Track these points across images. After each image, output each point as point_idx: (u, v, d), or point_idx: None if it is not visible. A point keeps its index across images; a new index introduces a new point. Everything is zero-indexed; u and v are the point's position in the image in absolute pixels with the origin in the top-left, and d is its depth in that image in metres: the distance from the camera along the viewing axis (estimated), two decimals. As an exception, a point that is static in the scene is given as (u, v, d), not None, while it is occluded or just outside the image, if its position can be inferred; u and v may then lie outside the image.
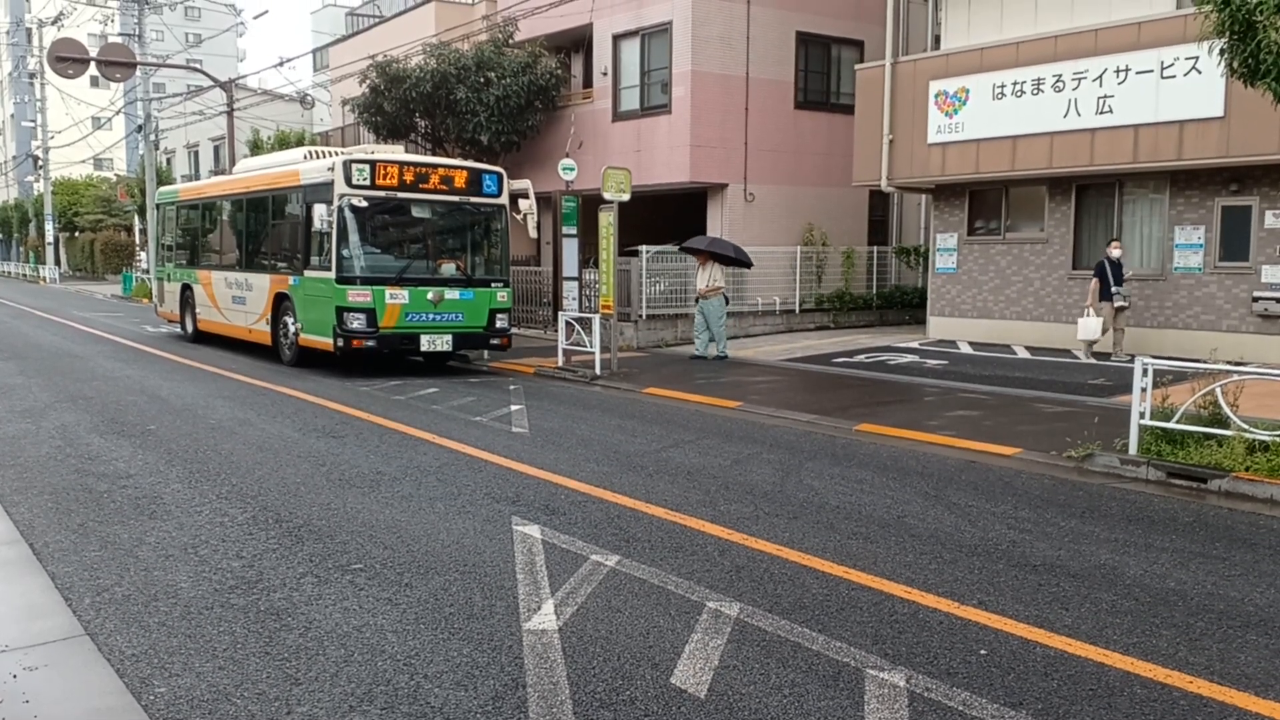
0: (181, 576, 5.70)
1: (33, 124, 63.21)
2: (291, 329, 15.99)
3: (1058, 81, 16.32)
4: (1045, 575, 5.94)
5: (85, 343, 20.37)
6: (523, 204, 16.15)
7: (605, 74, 23.29)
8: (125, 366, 16.11)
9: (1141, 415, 8.95)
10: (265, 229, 17.65)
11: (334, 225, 14.34)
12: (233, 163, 32.46)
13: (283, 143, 33.64)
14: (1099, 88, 15.81)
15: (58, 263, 59.55)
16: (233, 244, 19.05)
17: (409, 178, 14.85)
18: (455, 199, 15.30)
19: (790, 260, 22.01)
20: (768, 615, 5.15)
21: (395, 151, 16.33)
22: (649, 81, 22.38)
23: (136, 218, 48.87)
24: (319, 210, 14.37)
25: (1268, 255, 15.19)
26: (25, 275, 64.16)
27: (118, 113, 49.82)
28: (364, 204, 14.49)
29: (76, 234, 62.74)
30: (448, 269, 15.53)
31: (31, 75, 63.27)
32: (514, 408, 12.11)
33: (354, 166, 14.44)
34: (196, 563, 5.95)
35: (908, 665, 4.55)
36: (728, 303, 17.79)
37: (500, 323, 15.74)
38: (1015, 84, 16.91)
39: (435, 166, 15.35)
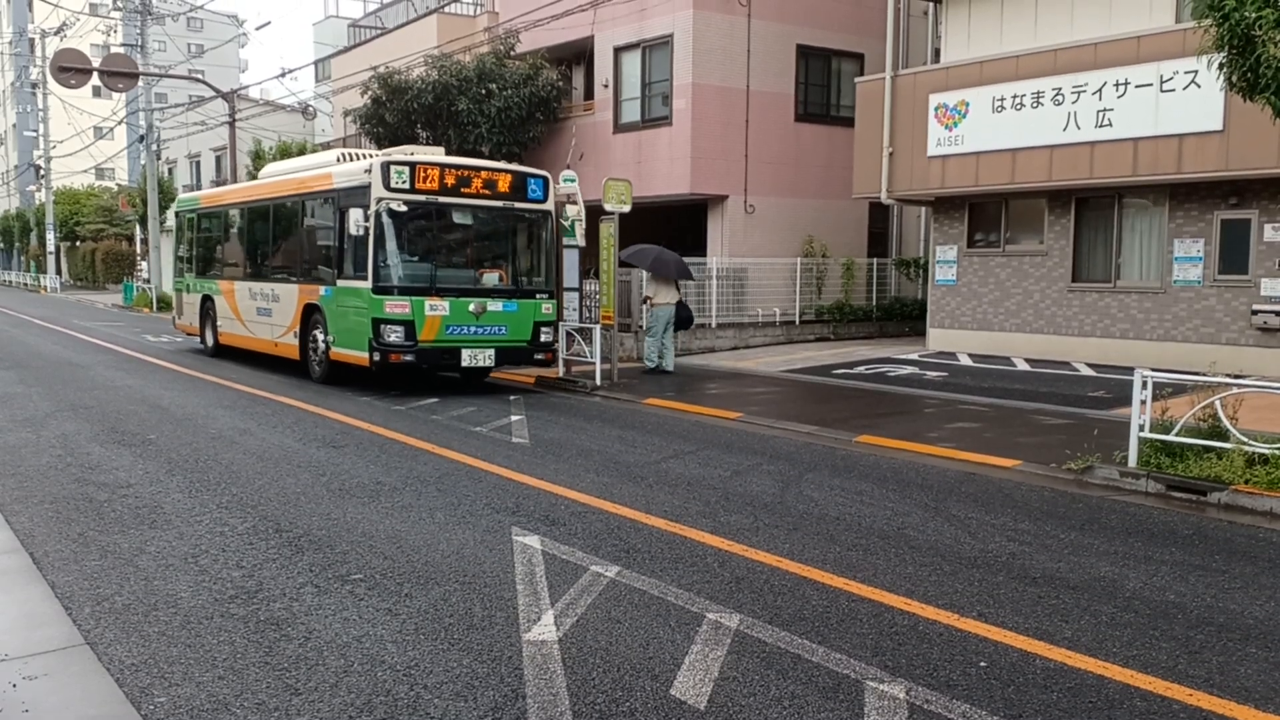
0: (181, 586, 5.70)
1: (35, 134, 63.37)
2: (322, 343, 15.03)
3: (1057, 94, 16.37)
4: (1045, 587, 5.94)
5: (86, 352, 20.39)
6: (570, 209, 15.37)
7: (606, 86, 23.36)
8: (126, 376, 16.12)
9: (1141, 428, 8.96)
10: (294, 236, 16.76)
11: (371, 231, 13.45)
12: (234, 173, 32.59)
13: (284, 153, 33.65)
14: (1098, 101, 15.86)
15: (59, 272, 59.64)
16: (258, 253, 18.21)
17: (450, 181, 13.90)
18: (499, 204, 14.37)
19: (790, 272, 22.04)
20: (768, 627, 5.15)
21: (435, 153, 15.20)
22: (650, 93, 22.45)
23: (138, 227, 48.92)
24: (354, 215, 13.40)
25: (1267, 268, 15.22)
26: (26, 284, 64.25)
27: (120, 123, 49.96)
28: (403, 209, 13.56)
29: (78, 243, 62.83)
30: (490, 279, 14.58)
31: (34, 85, 63.44)
32: (514, 418, 12.11)
33: (393, 169, 13.53)
34: (196, 572, 5.95)
35: (908, 677, 4.55)
36: (692, 317, 17.74)
37: (545, 336, 14.77)
38: (1015, 97, 16.96)
39: (478, 169, 14.40)
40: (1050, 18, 17.33)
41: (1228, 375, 10.61)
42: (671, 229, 23.47)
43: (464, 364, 14.06)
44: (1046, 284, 17.99)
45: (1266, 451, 8.37)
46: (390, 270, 13.69)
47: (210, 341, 19.75)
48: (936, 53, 20.37)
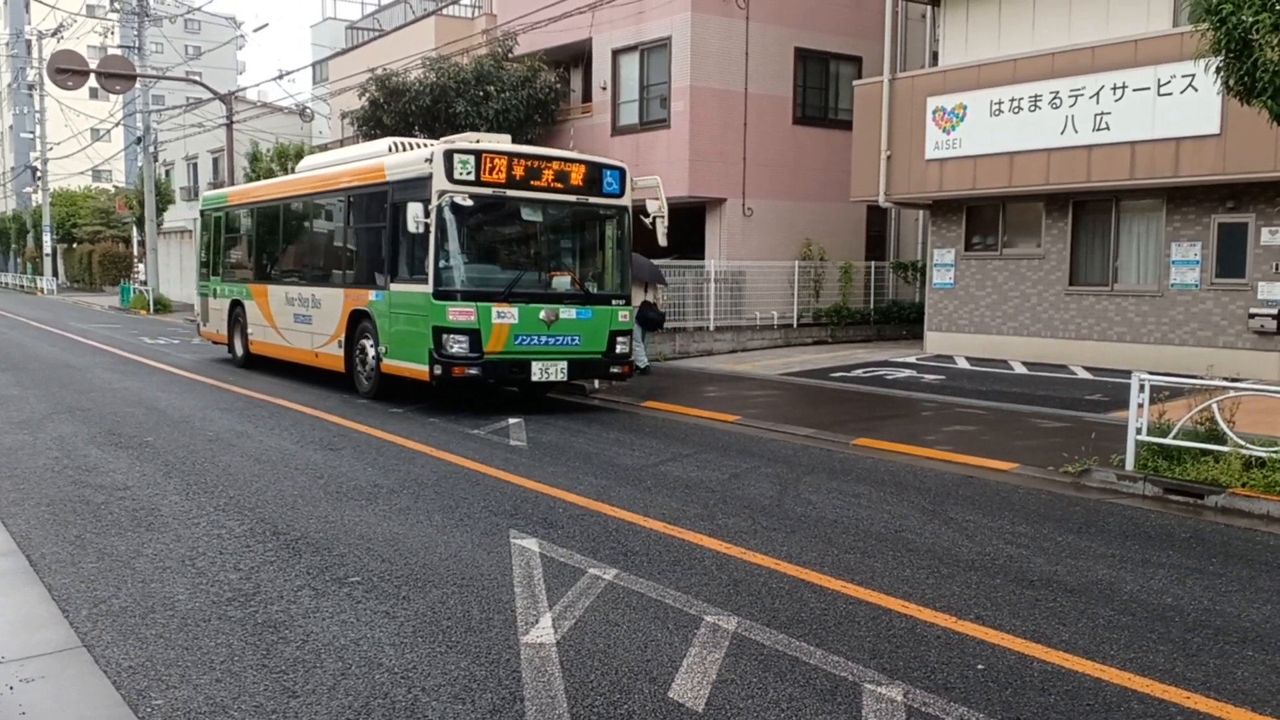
0: (179, 588, 5.69)
1: (31, 135, 63.31)
2: (371, 354, 13.61)
3: (1055, 98, 16.39)
4: (1042, 590, 5.95)
5: (83, 354, 20.37)
6: (651, 205, 13.63)
7: (604, 88, 23.38)
8: (123, 378, 16.10)
9: (1138, 431, 8.97)
10: (338, 235, 15.29)
11: (432, 229, 12.00)
12: (232, 175, 32.58)
13: (282, 155, 33.67)
14: (1096, 104, 15.88)
15: (55, 274, 59.59)
16: (296, 253, 16.86)
17: (519, 172, 12.41)
18: (571, 198, 12.93)
19: (788, 275, 22.06)
20: (765, 629, 5.15)
21: (501, 141, 13.72)
22: (648, 96, 22.47)
23: (135, 229, 48.95)
24: (413, 211, 11.87)
25: (1264, 272, 15.24)
26: (23, 286, 64.17)
27: (117, 124, 49.97)
28: (469, 203, 12.06)
29: (74, 245, 62.79)
30: (561, 283, 13.17)
31: (31, 87, 63.39)
32: (511, 421, 12.11)
33: (457, 158, 12.06)
34: (194, 575, 5.94)
35: (905, 680, 4.55)
36: (663, 319, 17.67)
37: (621, 348, 13.23)
38: (1013, 100, 16.98)
39: (549, 159, 12.93)
40: (1048, 21, 17.35)
41: (1225, 378, 10.63)
42: (670, 232, 23.45)
43: (534, 378, 12.56)
44: (1044, 287, 18.01)
45: (1263, 455, 8.38)
46: (453, 272, 12.26)
47: (240, 351, 18.14)
48: (934, 56, 20.39)
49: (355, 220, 14.63)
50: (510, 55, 24.56)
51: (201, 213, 20.58)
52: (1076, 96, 16.11)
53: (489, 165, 12.23)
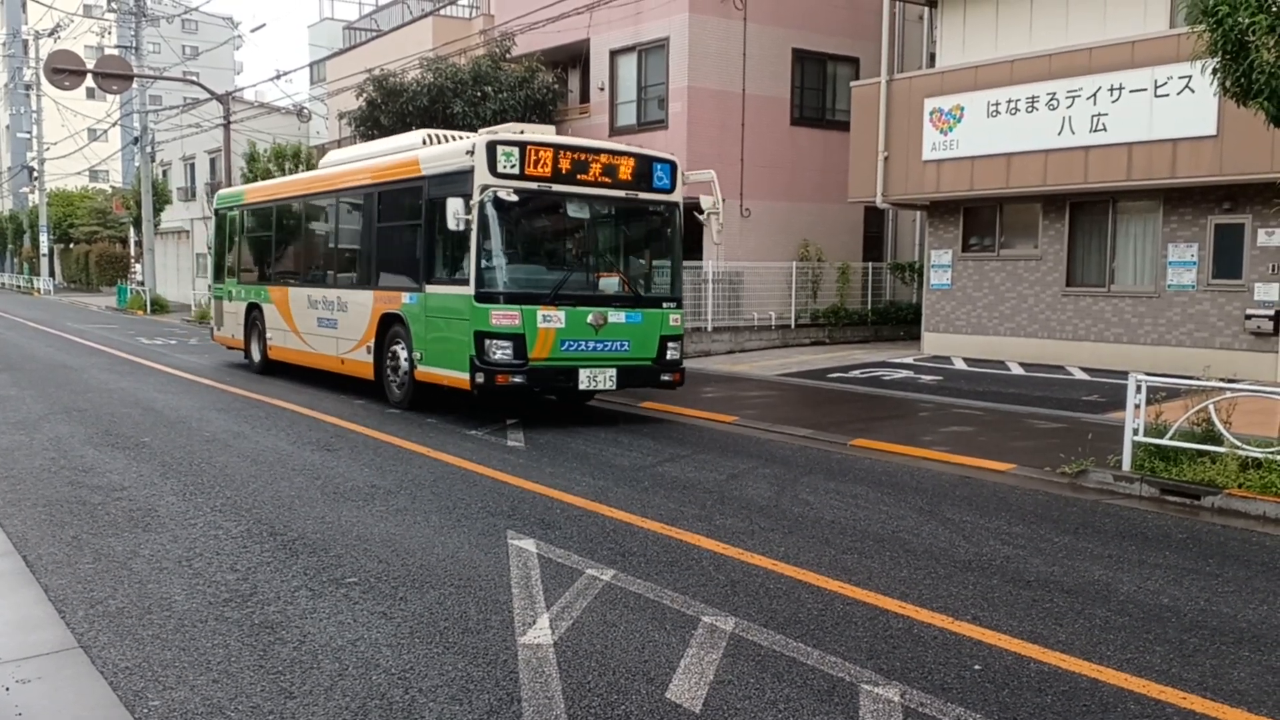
0: (175, 589, 5.69)
1: (28, 135, 63.26)
2: (404, 360, 12.83)
3: (1052, 99, 16.41)
4: (1039, 591, 5.95)
5: (79, 354, 20.35)
6: (705, 201, 12.73)
7: (602, 89, 23.39)
8: (120, 378, 16.09)
9: (1135, 432, 8.98)
10: (367, 234, 14.27)
11: (474, 226, 11.21)
12: (229, 176, 32.55)
13: (279, 156, 33.63)
14: (1093, 106, 15.90)
15: (52, 274, 59.55)
16: (319, 254, 16.04)
17: (565, 165, 11.62)
18: (620, 194, 12.13)
19: (786, 275, 22.07)
20: (763, 630, 5.15)
21: (546, 132, 12.94)
22: (646, 97, 22.49)
23: (132, 230, 48.91)
24: (452, 206, 11.01)
25: (1260, 273, 15.26)
26: (19, 286, 64.14)
27: (114, 125, 49.94)
28: (514, 198, 11.26)
29: (71, 245, 62.75)
30: (609, 284, 12.39)
31: (28, 86, 63.37)
32: (509, 421, 12.10)
33: (500, 150, 11.25)
34: (190, 575, 5.94)
35: (902, 680, 4.56)
36: None
37: (672, 353, 12.38)
38: (1010, 102, 17.00)
39: (597, 151, 12.06)
40: (1045, 22, 17.37)
41: (1221, 379, 10.64)
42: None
43: (581, 386, 11.78)
44: (1041, 288, 18.03)
45: (1260, 456, 8.39)
46: (496, 273, 11.46)
47: (258, 356, 17.32)
48: (932, 57, 20.40)
49: (386, 218, 13.79)
50: (508, 56, 24.58)
51: (215, 212, 19.73)
52: (1074, 98, 16.13)
53: (534, 158, 11.44)
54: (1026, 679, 4.63)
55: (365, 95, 24.36)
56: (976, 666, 4.76)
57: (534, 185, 11.46)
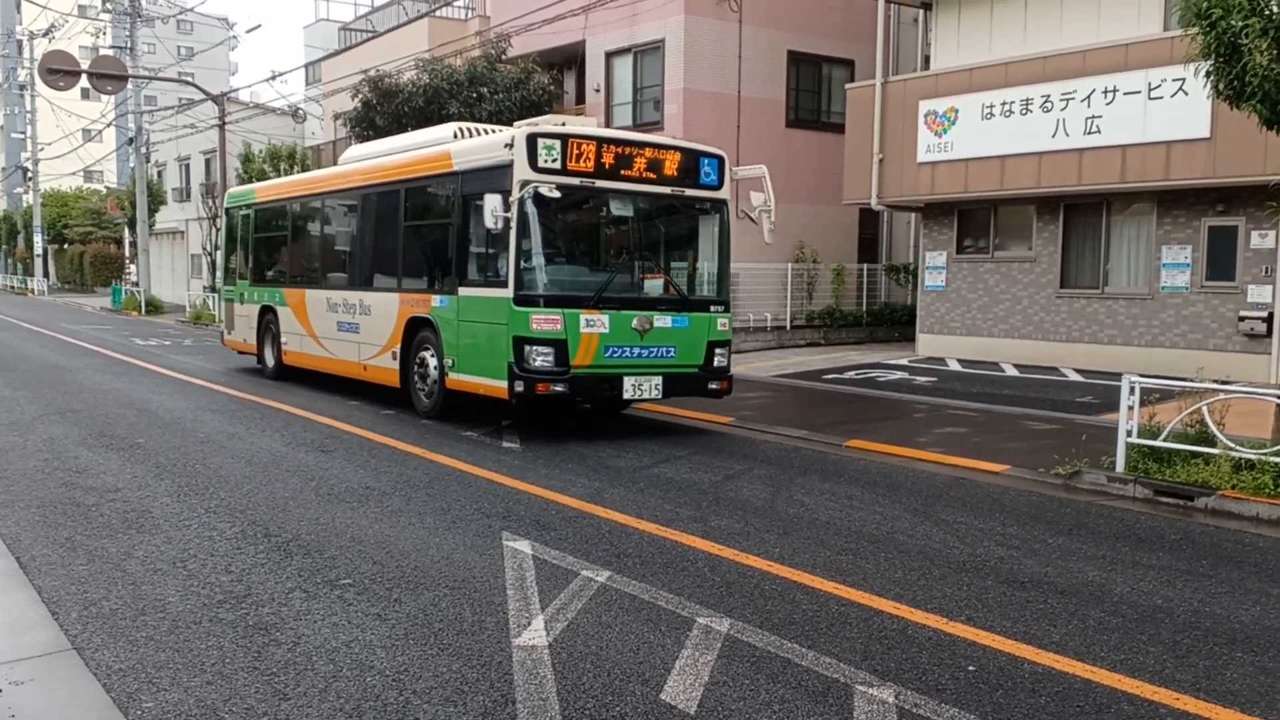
0: (170, 590, 5.68)
1: (23, 135, 63.19)
2: (433, 367, 12.10)
3: (1046, 102, 16.44)
4: (1033, 592, 5.96)
5: (74, 355, 20.31)
6: (755, 198, 11.93)
7: (598, 90, 23.40)
8: (114, 379, 16.06)
9: (1129, 433, 9.00)
10: (392, 233, 13.51)
11: (513, 224, 10.46)
12: (224, 177, 32.50)
13: (274, 156, 33.63)
14: (1087, 108, 15.94)
15: (46, 275, 59.46)
16: (339, 254, 15.32)
17: (608, 160, 10.91)
18: (666, 190, 11.38)
19: (781, 277, 22.10)
20: (758, 631, 5.15)
21: (586, 124, 12.20)
22: (641, 99, 22.50)
23: (126, 230, 48.85)
24: (490, 203, 10.29)
25: (1253, 275, 15.30)
26: (13, 287, 64.03)
27: (109, 125, 49.83)
28: (556, 194, 10.54)
29: (65, 246, 62.68)
30: (653, 286, 11.67)
31: (22, 87, 63.28)
32: (504, 422, 12.10)
33: (541, 143, 10.56)
34: (185, 577, 5.93)
35: (896, 681, 4.57)
36: None
37: (720, 360, 11.63)
38: (1004, 104, 17.03)
39: (641, 145, 11.33)
40: (1039, 25, 17.41)
41: (1215, 381, 10.66)
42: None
43: (625, 395, 11.05)
44: (1035, 290, 18.06)
45: (1253, 457, 8.41)
46: (536, 274, 10.72)
47: (271, 361, 16.57)
48: (926, 60, 20.45)
49: (414, 216, 13.16)
50: (503, 57, 24.58)
51: (226, 211, 18.97)
52: (1068, 100, 16.17)
53: (576, 151, 10.74)
54: (1020, 680, 4.64)
55: (360, 96, 24.35)
56: (971, 667, 4.77)
57: (576, 181, 10.77)
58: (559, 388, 10.65)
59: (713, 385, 11.62)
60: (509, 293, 10.67)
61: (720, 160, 11.86)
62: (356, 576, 5.98)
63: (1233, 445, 8.57)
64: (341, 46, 41.36)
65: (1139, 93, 15.35)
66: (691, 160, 11.63)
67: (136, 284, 39.72)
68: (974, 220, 19.14)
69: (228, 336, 18.69)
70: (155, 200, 41.80)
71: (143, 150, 38.37)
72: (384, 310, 13.17)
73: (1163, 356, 16.01)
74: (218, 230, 35.34)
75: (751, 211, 11.99)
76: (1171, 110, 14.99)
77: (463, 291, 11.57)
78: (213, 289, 35.95)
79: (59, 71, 29.93)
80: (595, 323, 10.80)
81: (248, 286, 17.64)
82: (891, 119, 18.90)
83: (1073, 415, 12.47)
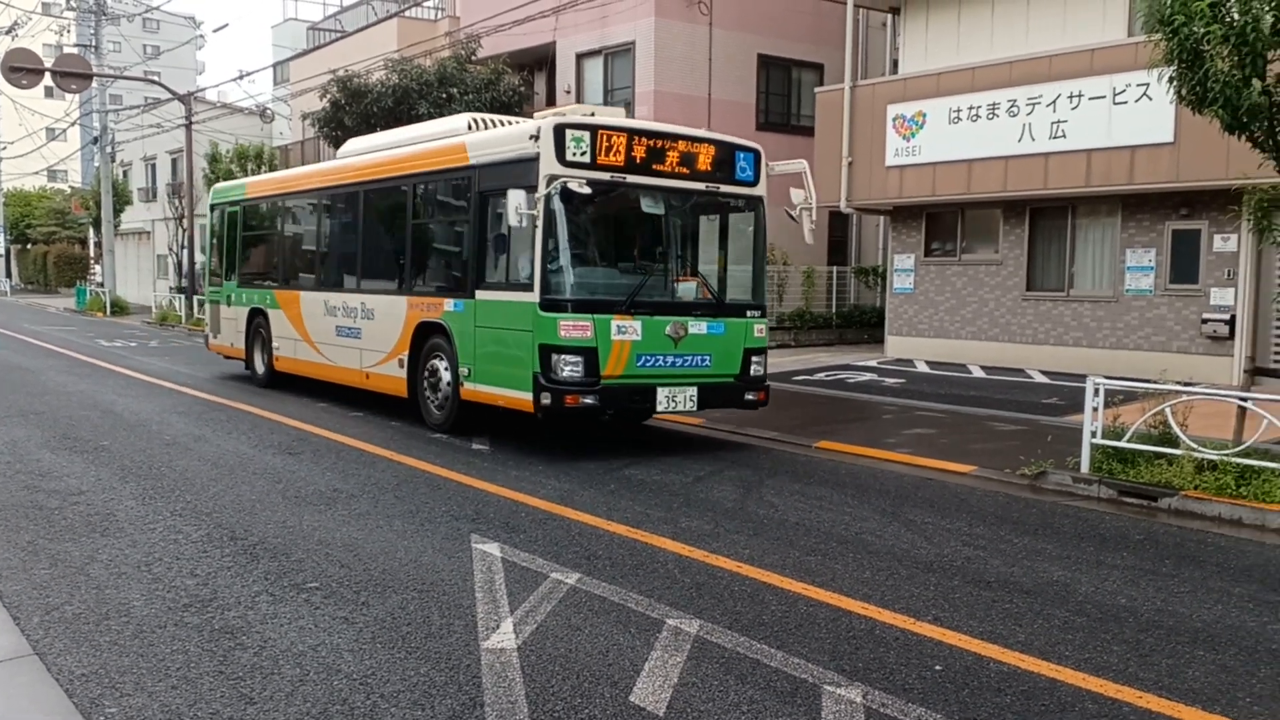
0: (134, 595, 5.62)
1: (-15, 135, 62.28)
2: (445, 376, 11.31)
3: (1012, 106, 16.59)
4: (999, 591, 6.01)
5: (37, 357, 20.06)
6: (795, 195, 11.43)
7: (568, 92, 23.38)
8: (78, 381, 15.87)
9: (1093, 434, 9.09)
10: (399, 232, 12.66)
11: (539, 223, 9.70)
12: (191, 177, 32.22)
13: (242, 156, 33.38)
14: (1053, 113, 16.10)
15: (9, 275, 58.70)
16: (339, 254, 14.33)
17: (639, 153, 10.17)
18: (699, 186, 10.69)
19: (750, 279, 22.12)
20: (727, 632, 5.17)
21: (615, 115, 11.42)
22: (612, 100, 22.51)
23: (91, 230, 48.33)
24: (514, 200, 9.53)
25: (1216, 278, 15.50)
26: (-25, 288, 63.07)
27: (73, 124, 49.30)
28: (586, 190, 9.78)
29: (29, 246, 61.88)
30: (687, 290, 10.86)
31: (-16, 85, 62.30)
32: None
33: (569, 135, 9.81)
34: (149, 581, 5.87)
35: (864, 681, 4.59)
36: None
37: (756, 369, 10.89)
38: (971, 108, 17.17)
39: (674, 137, 10.55)
40: (1006, 30, 17.57)
41: (1178, 382, 10.80)
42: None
43: (659, 408, 10.25)
44: (1001, 292, 18.22)
45: (1215, 458, 8.52)
46: (563, 277, 9.92)
47: (261, 368, 15.73)
48: (895, 64, 20.59)
49: (424, 213, 12.39)
50: (473, 58, 24.51)
51: (211, 207, 17.90)
52: (1034, 105, 16.32)
53: (605, 144, 10.00)
54: (986, 679, 4.68)
55: (329, 96, 24.21)
56: (937, 667, 4.81)
57: (606, 176, 10.00)
58: (589, 400, 9.84)
59: (749, 396, 10.86)
60: (534, 297, 9.87)
61: (757, 154, 11.30)
62: (324, 580, 5.94)
63: (1195, 446, 8.68)
64: (310, 46, 41.13)
65: (1104, 98, 15.52)
66: (727, 154, 10.96)
67: (101, 285, 39.29)
68: (941, 223, 19.28)
69: (213, 341, 17.73)
70: (120, 200, 41.36)
71: (108, 150, 37.96)
72: (389, 314, 12.41)
73: (1127, 358, 16.19)
74: (184, 231, 35.09)
75: (792, 210, 11.37)
76: (1136, 115, 15.16)
77: (480, 295, 10.73)
78: (179, 290, 35.66)
79: (22, 70, 29.54)
80: (627, 329, 10.02)
81: (235, 288, 16.72)
82: (860, 122, 19.00)
83: (1038, 416, 12.58)
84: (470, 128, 12.05)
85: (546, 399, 9.77)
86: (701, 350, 10.50)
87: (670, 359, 10.28)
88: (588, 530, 7.22)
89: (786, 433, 11.68)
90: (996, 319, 18.29)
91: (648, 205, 10.61)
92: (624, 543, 6.91)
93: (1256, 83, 8.33)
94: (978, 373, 17.09)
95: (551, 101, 24.29)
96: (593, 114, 10.77)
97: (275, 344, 15.27)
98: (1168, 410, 8.94)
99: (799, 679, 4.61)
